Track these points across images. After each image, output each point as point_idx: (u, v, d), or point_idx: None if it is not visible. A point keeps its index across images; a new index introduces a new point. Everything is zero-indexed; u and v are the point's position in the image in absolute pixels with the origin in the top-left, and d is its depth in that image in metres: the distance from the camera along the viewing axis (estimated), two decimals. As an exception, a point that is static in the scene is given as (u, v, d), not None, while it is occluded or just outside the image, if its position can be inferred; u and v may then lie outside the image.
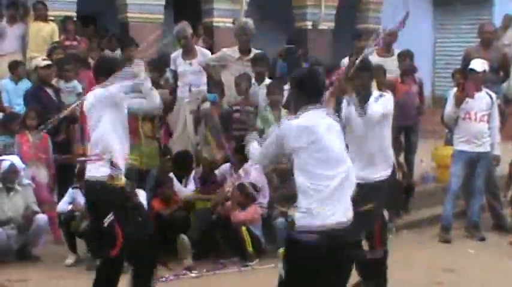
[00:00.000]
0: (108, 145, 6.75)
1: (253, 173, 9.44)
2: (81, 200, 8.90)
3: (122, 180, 6.81)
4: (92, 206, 7.18)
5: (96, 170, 6.79)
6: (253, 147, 5.91)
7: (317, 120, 5.44)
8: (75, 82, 10.78)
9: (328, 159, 5.37)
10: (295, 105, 5.63)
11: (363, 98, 6.83)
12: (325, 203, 5.30)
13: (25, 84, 10.97)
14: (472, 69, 9.94)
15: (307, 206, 5.32)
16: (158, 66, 10.79)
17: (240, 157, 9.39)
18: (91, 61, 12.36)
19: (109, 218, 6.68)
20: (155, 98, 7.23)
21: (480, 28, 11.77)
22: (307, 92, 5.55)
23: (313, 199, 5.30)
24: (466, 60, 11.20)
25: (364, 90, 6.96)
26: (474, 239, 10.18)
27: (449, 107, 10.03)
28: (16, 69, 11.17)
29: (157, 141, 9.63)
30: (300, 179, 5.40)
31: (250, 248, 8.97)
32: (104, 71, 6.97)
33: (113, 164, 6.73)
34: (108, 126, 6.76)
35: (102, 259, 6.97)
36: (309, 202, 5.31)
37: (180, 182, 9.61)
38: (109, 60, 7.84)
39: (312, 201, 5.30)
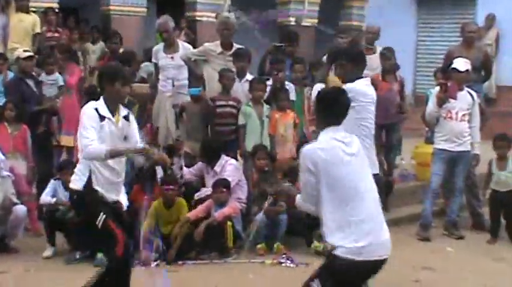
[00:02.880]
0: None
1: (229, 168, 9.45)
2: (62, 193, 8.89)
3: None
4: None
5: (73, 182, 6.72)
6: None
7: None
8: (57, 74, 10.74)
9: None
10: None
11: None
12: None
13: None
14: (454, 69, 9.95)
15: None
16: (128, 60, 10.72)
17: (209, 153, 9.43)
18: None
19: (100, 219, 6.51)
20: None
21: (463, 27, 11.78)
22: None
23: None
24: (448, 59, 11.23)
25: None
26: (453, 238, 10.22)
27: (431, 107, 10.05)
28: None
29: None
30: None
31: (230, 244, 8.95)
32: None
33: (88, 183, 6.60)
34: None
35: (108, 261, 6.79)
36: None
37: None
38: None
39: None
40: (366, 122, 7.03)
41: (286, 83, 10.26)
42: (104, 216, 6.50)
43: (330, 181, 5.30)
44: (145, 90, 10.58)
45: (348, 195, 5.32)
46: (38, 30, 12.80)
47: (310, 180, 5.37)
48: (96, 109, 6.49)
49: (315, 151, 5.37)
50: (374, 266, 5.41)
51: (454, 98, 9.86)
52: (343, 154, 5.38)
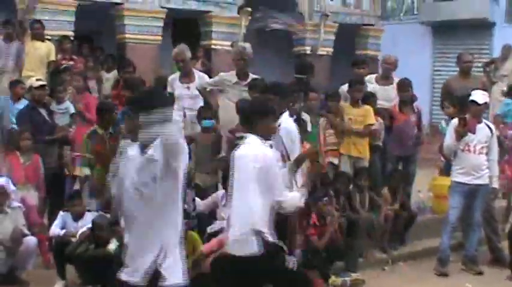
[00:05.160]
0: None
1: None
2: (71, 224, 8.78)
3: None
4: None
5: None
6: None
7: None
8: (67, 103, 10.65)
9: None
10: None
11: None
12: None
13: (23, 104, 10.78)
14: (473, 101, 9.81)
15: None
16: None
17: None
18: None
19: None
20: None
21: (459, 58, 11.78)
22: None
23: None
24: (446, 89, 11.31)
25: None
26: (471, 273, 10.03)
27: (449, 140, 9.90)
28: (15, 88, 11.06)
29: None
30: None
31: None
32: None
33: None
34: None
35: None
36: None
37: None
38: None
39: None
40: None
41: (303, 113, 10.12)
42: None
43: None
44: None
45: None
46: (52, 58, 12.78)
47: None
48: None
49: None
50: None
51: (473, 132, 9.73)
52: None
